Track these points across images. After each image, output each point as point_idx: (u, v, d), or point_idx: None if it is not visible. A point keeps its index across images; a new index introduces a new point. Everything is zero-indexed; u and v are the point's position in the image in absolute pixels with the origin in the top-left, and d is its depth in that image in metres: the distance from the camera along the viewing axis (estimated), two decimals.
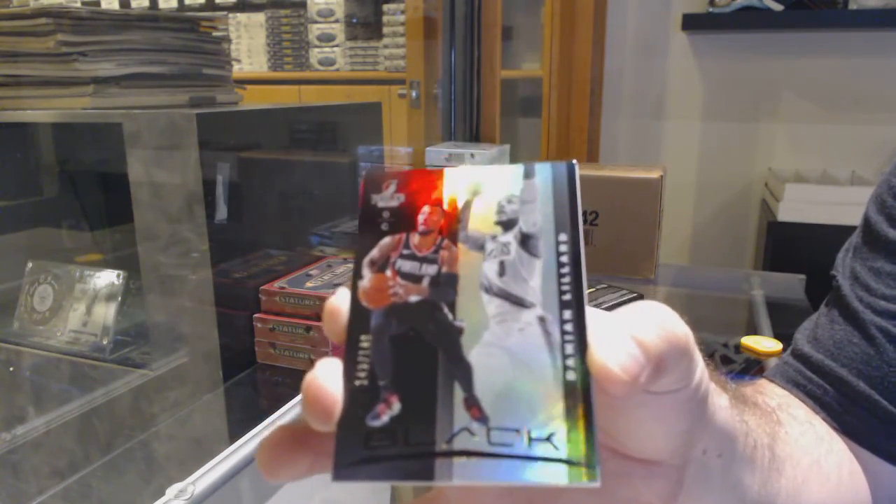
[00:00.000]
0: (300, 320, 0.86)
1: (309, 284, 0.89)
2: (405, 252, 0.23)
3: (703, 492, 0.26)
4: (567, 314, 0.21)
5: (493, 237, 0.23)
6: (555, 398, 0.20)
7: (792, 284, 1.12)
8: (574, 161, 0.24)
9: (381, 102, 1.21)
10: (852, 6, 1.75)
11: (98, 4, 2.66)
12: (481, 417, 0.20)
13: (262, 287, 0.88)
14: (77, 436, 0.82)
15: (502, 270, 0.23)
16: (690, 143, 2.04)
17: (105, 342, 0.92)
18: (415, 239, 0.24)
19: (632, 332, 0.21)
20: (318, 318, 0.84)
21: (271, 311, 0.88)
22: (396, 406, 0.20)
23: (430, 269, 0.23)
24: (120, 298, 0.94)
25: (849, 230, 0.50)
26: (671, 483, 0.25)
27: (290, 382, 0.86)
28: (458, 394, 0.20)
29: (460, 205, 0.24)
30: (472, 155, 1.28)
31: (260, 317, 0.88)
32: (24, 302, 0.99)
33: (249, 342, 0.89)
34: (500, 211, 0.24)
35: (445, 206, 0.24)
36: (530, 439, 0.19)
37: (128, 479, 0.74)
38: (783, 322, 0.93)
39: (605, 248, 1.05)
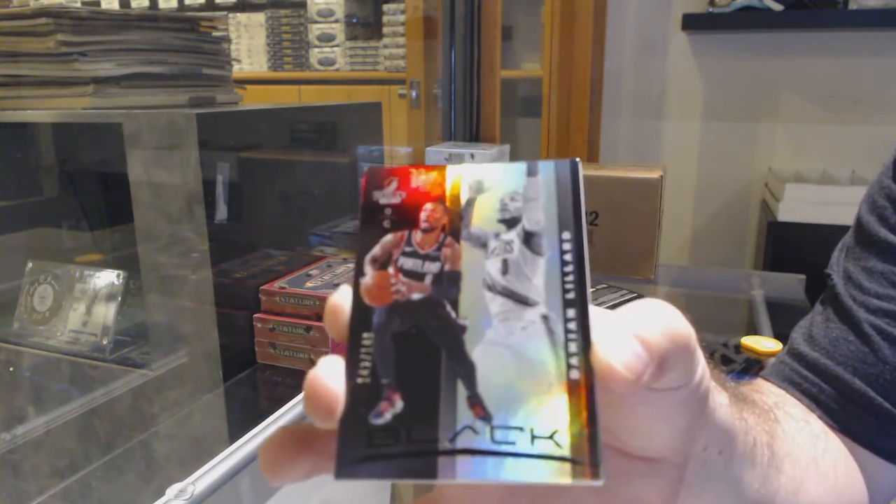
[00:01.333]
0: (300, 320, 0.86)
1: (309, 284, 0.89)
2: (407, 249, 0.23)
3: (703, 489, 0.26)
4: (570, 313, 0.21)
5: (497, 235, 0.23)
6: (558, 396, 0.20)
7: (792, 284, 1.12)
8: (577, 159, 0.24)
9: (381, 102, 1.21)
10: (852, 6, 1.74)
11: (98, 4, 2.66)
12: (484, 416, 0.20)
13: (262, 287, 0.88)
14: (77, 436, 0.82)
15: (505, 268, 0.22)
16: (690, 143, 2.04)
17: (105, 342, 0.92)
18: (417, 236, 0.23)
19: (635, 331, 0.21)
20: (319, 318, 0.84)
21: (271, 311, 0.88)
22: (399, 404, 0.20)
23: (433, 267, 0.23)
24: (120, 298, 0.94)
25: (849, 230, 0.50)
26: (672, 481, 0.25)
27: (290, 382, 0.86)
28: (462, 392, 0.20)
29: (463, 202, 0.24)
30: (472, 155, 1.28)
31: (260, 317, 0.88)
32: (24, 302, 0.99)
33: (249, 342, 0.89)
34: (504, 209, 0.23)
35: (448, 204, 0.24)
36: (533, 437, 0.19)
37: (128, 479, 0.74)
38: (783, 322, 0.93)
39: (605, 248, 1.05)
